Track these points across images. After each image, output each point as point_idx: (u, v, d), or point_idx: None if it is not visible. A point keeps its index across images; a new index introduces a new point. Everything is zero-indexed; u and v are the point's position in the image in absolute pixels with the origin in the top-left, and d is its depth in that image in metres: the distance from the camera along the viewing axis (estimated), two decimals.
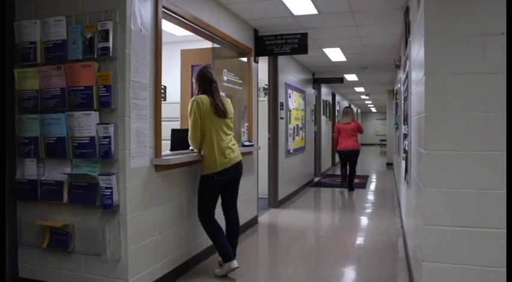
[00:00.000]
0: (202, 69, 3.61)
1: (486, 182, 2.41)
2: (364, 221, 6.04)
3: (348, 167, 8.46)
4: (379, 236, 5.17)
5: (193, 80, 3.66)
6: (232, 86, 4.86)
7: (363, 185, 9.41)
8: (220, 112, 3.50)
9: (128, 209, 2.83)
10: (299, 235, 5.28)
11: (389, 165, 13.46)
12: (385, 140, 26.47)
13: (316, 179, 10.09)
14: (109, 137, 2.75)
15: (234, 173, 3.62)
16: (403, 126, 4.78)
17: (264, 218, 5.99)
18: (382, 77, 10.27)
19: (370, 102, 20.40)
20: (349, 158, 8.31)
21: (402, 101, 5.09)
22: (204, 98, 3.49)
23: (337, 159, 14.31)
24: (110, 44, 2.72)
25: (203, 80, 3.56)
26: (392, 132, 12.40)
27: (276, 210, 6.52)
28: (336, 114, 13.90)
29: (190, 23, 3.81)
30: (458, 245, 2.48)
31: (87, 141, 2.81)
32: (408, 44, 3.97)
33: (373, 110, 26.82)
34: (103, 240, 2.81)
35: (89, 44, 2.80)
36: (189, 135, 3.52)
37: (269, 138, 6.63)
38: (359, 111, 24.82)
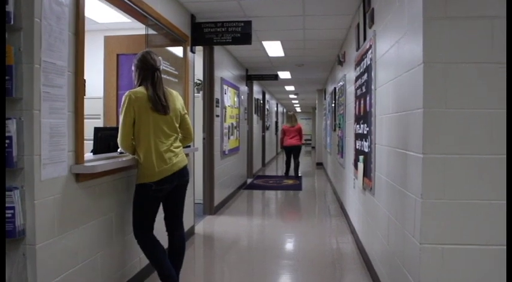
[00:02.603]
0: (143, 54, 2.94)
1: (499, 191, 2.01)
2: (307, 228, 5.61)
3: (292, 159, 10.64)
4: (326, 245, 4.75)
5: (133, 68, 2.97)
6: (168, 77, 4.16)
7: (299, 186, 9.07)
8: (159, 107, 2.83)
9: (37, 236, 2.08)
10: (240, 248, 4.71)
11: (319, 165, 13.35)
12: (309, 140, 26.87)
13: (249, 181, 9.59)
14: (10, 138, 1.98)
15: (178, 180, 2.98)
16: (357, 126, 4.39)
17: (200, 227, 5.35)
18: (316, 75, 10.03)
19: (297, 101, 20.37)
20: (293, 152, 10.55)
21: (353, 100, 4.71)
22: (139, 91, 2.82)
23: (267, 159, 13.96)
24: (11, 7, 1.96)
25: (144, 67, 2.88)
26: (323, 132, 12.28)
27: (212, 218, 5.90)
28: (266, 113, 13.53)
29: None
30: (467, 267, 2.06)
31: None
32: (371, 34, 3.55)
33: (298, 109, 27.01)
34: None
35: None
36: (118, 137, 2.82)
37: (204, 138, 5.99)
38: (284, 110, 24.82)
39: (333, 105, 8.04)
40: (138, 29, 4.05)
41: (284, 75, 9.90)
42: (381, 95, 3.23)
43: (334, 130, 7.82)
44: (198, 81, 6.43)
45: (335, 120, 7.66)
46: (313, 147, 22.93)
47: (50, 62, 2.17)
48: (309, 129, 26.83)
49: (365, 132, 3.89)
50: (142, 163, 2.83)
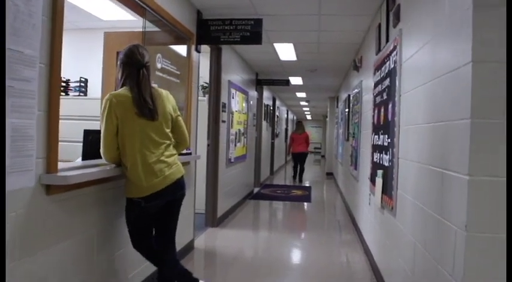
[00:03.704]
0: (130, 47, 2.55)
1: None
2: (316, 245, 5.17)
3: (299, 165, 11.55)
4: (336, 265, 4.32)
5: (118, 64, 2.58)
6: (168, 76, 3.78)
7: (307, 197, 8.63)
8: (145, 112, 2.44)
9: None
10: (243, 265, 4.29)
11: (329, 174, 12.90)
12: (319, 148, 26.36)
13: (256, 190, 9.18)
14: None
15: (171, 195, 2.60)
16: (375, 136, 3.97)
17: (201, 241, 4.94)
18: (328, 81, 9.61)
19: (307, 109, 19.94)
20: (300, 158, 11.51)
21: (371, 108, 4.29)
22: (122, 94, 2.44)
23: (276, 166, 13.55)
24: None
25: (129, 63, 2.50)
26: (335, 141, 11.84)
27: (214, 230, 5.49)
28: (276, 120, 13.13)
29: None
30: None
31: None
32: (396, 34, 3.15)
33: (309, 117, 26.56)
34: None
35: None
36: (101, 148, 2.45)
37: (208, 145, 5.60)
38: (294, 118, 24.40)
39: (347, 113, 7.61)
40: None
41: (296, 80, 9.50)
42: (408, 103, 2.81)
43: (347, 140, 7.39)
44: (205, 84, 6.06)
45: (348, 130, 7.23)
46: (323, 156, 22.47)
47: (16, 51, 1.79)
48: (319, 137, 26.36)
49: (385, 144, 3.47)
50: (129, 177, 2.45)
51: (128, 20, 4.39)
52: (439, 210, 2.01)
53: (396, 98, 3.09)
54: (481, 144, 1.64)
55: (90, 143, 2.75)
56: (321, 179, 12.70)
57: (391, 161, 3.24)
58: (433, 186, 2.13)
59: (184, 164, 4.07)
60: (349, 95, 7.30)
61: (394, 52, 3.21)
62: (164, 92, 2.65)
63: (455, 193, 1.80)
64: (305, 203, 8.03)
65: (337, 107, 11.10)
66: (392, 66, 3.28)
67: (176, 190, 2.64)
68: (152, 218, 2.61)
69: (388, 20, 3.54)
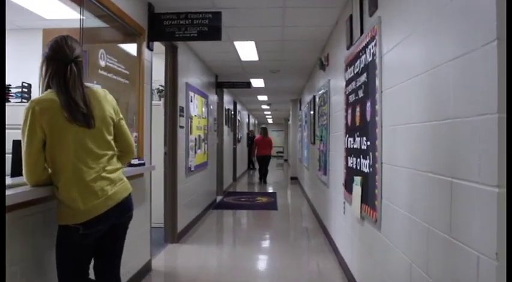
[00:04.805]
0: (56, 39, 2.03)
1: None
2: (286, 258, 4.75)
3: (263, 167, 12.31)
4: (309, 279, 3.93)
5: (41, 60, 2.06)
6: (114, 76, 3.27)
7: (273, 204, 8.23)
8: (78, 118, 1.95)
9: None
10: None
11: (294, 179, 12.58)
12: (282, 152, 26.05)
13: (219, 199, 8.70)
14: None
15: (116, 218, 2.11)
16: (349, 139, 3.61)
17: (160, 260, 4.43)
18: (291, 83, 9.27)
19: (269, 113, 19.62)
20: (264, 160, 12.20)
21: (343, 108, 3.94)
22: (46, 98, 1.94)
23: (238, 173, 13.12)
24: None
25: (54, 58, 1.99)
26: (298, 144, 11.54)
27: (175, 247, 4.98)
28: (237, 124, 12.69)
29: None
30: None
31: None
32: (374, 22, 2.79)
33: (270, 121, 26.29)
34: None
35: None
36: (23, 170, 1.93)
37: (165, 153, 5.09)
38: (256, 122, 24.07)
39: (312, 115, 7.28)
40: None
41: (257, 83, 9.11)
42: (392, 100, 2.45)
43: (313, 143, 7.05)
44: (161, 88, 5.56)
45: (315, 132, 6.89)
46: (286, 160, 22.20)
47: None
48: (281, 141, 26.12)
49: (363, 147, 3.11)
50: (62, 199, 1.95)
51: (73, 19, 3.85)
52: (447, 228, 1.63)
53: (377, 95, 2.72)
54: None
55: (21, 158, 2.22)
56: (285, 184, 12.36)
57: (371, 166, 2.87)
58: (437, 199, 1.75)
59: (137, 176, 3.57)
60: (314, 96, 6.97)
61: (372, 44, 2.85)
62: (101, 91, 2.15)
63: (475, 209, 1.42)
64: (271, 211, 7.62)
65: (300, 109, 10.79)
66: (370, 59, 2.91)
67: (123, 212, 2.15)
68: (92, 250, 2.10)
69: (362, 9, 3.19)
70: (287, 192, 10.62)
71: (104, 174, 2.04)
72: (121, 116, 2.24)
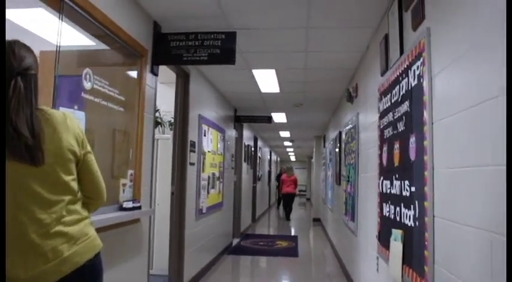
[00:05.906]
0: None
1: None
2: None
3: (287, 205, 12.74)
4: None
5: None
6: (104, 102, 2.76)
7: (294, 250, 7.49)
8: (18, 151, 1.39)
9: None
10: None
11: (317, 221, 11.80)
12: (304, 191, 25.17)
13: (235, 242, 8.01)
14: None
15: None
16: (385, 182, 2.98)
17: None
18: (315, 118, 8.70)
19: (291, 150, 19.01)
20: (289, 198, 12.70)
21: (376, 145, 3.33)
22: None
23: (258, 213, 12.45)
24: None
25: None
26: (322, 184, 10.84)
27: None
28: (258, 161, 12.11)
29: None
30: None
31: None
32: (421, 36, 2.22)
33: (293, 158, 25.61)
34: None
35: None
36: None
37: (173, 193, 4.53)
38: (278, 159, 23.45)
39: (337, 153, 6.65)
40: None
41: (279, 117, 8.57)
42: (451, 132, 1.84)
43: (339, 183, 6.39)
44: (172, 120, 5.07)
45: (340, 172, 6.24)
46: (309, 199, 21.35)
47: None
48: (303, 179, 25.32)
49: (405, 193, 2.47)
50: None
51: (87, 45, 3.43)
52: None
53: (425, 128, 2.11)
54: None
55: None
56: (308, 226, 11.57)
57: (417, 219, 2.23)
58: None
59: (131, 222, 3.00)
60: (340, 132, 6.36)
61: (417, 63, 2.27)
62: (59, 115, 1.60)
63: None
64: (292, 258, 6.88)
65: (325, 146, 10.17)
66: (414, 83, 2.32)
67: (85, 281, 1.56)
68: None
69: (402, 25, 2.63)
70: (309, 236, 9.85)
71: (58, 228, 1.47)
72: (88, 148, 1.68)
